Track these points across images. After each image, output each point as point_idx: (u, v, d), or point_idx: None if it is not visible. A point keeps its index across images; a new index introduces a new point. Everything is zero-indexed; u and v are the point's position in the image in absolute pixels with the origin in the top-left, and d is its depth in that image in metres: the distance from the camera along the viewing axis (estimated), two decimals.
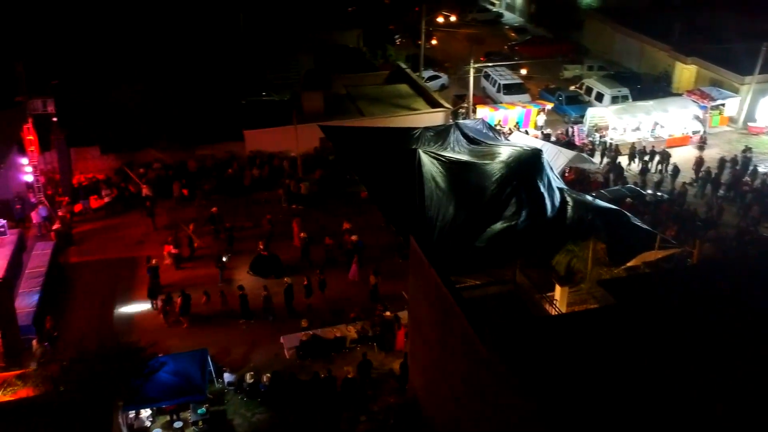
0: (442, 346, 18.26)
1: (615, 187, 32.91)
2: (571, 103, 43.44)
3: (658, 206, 31.20)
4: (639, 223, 25.49)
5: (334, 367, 22.70)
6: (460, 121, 31.24)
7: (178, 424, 20.49)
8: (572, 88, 46.25)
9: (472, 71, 38.65)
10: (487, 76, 47.16)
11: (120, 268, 29.06)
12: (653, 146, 37.01)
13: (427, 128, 28.89)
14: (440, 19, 61.51)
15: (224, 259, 28.01)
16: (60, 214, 31.03)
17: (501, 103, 43.53)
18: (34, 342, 22.75)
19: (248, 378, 21.77)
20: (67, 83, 34.71)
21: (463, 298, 16.53)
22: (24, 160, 30.38)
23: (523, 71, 47.71)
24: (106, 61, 38.05)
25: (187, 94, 38.13)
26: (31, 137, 29.84)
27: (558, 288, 21.56)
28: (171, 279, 27.84)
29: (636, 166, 36.34)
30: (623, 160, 36.64)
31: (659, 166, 36.04)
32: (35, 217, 30.53)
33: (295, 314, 25.55)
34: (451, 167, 26.12)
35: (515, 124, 40.50)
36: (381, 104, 39.73)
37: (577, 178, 33.67)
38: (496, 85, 45.52)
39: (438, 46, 57.98)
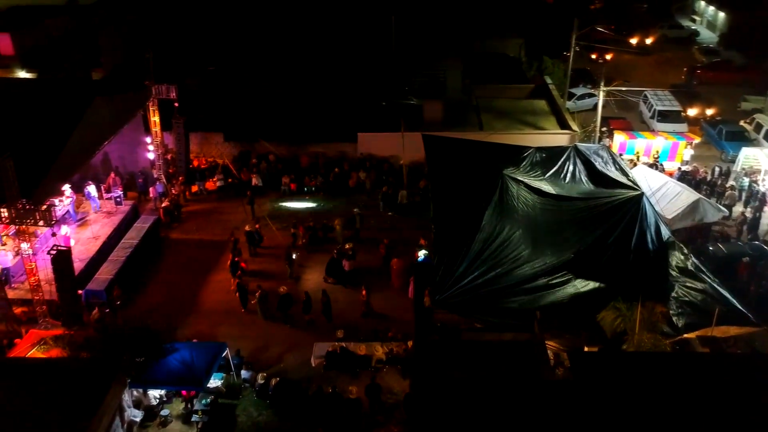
0: None
1: (736, 242, 28.64)
2: (732, 140, 38.35)
3: None
4: (727, 295, 21.93)
5: (358, 383, 22.35)
6: (580, 145, 28.93)
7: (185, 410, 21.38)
8: (741, 122, 40.84)
9: (601, 94, 35.56)
10: (645, 100, 43.25)
11: (210, 250, 30.80)
12: None
13: (540, 149, 27.32)
14: (634, 40, 57.37)
15: (293, 256, 28.60)
16: (174, 192, 33.67)
17: (654, 130, 39.76)
18: (97, 308, 24.91)
19: (260, 379, 22.08)
20: (204, 72, 37.42)
21: (425, 336, 15.44)
22: (148, 139, 33.33)
23: (709, 111, 42.75)
24: (247, 53, 40.36)
25: (319, 91, 39.40)
26: (155, 119, 32.58)
27: (585, 349, 19.44)
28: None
29: None
30: None
31: None
32: (152, 192, 33.35)
33: (297, 324, 25.75)
34: (536, 200, 24.48)
35: (655, 156, 36.65)
36: (506, 119, 38.10)
37: (698, 227, 29.74)
38: (652, 111, 41.59)
39: (610, 63, 54.37)
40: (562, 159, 26.54)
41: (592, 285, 21.20)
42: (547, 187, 25.15)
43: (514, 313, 20.07)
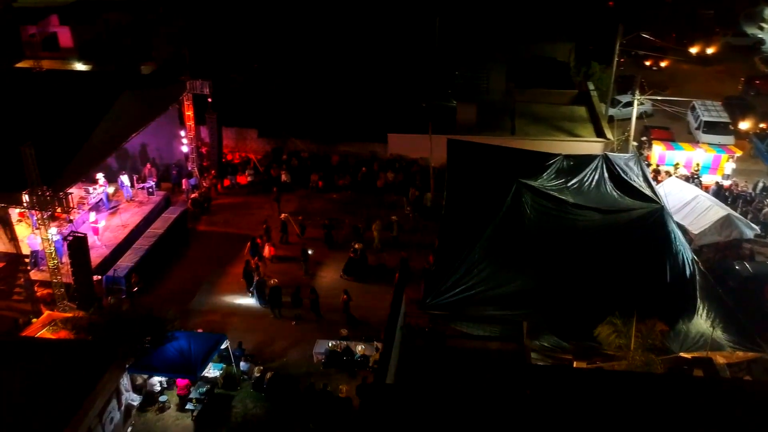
0: None
1: (764, 262, 27.41)
2: None
3: None
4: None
5: (355, 382, 22.50)
6: (610, 154, 28.36)
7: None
8: None
9: (636, 102, 34.54)
10: (693, 109, 41.78)
11: (235, 242, 31.42)
12: None
13: (568, 156, 26.90)
14: (694, 49, 55.70)
15: (309, 252, 28.98)
16: (204, 185, 34.57)
17: (699, 141, 38.41)
18: (110, 294, 25.85)
19: (256, 372, 22.51)
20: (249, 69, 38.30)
21: (391, 339, 15.47)
22: (182, 133, 34.31)
23: (763, 124, 40.99)
24: (290, 52, 41.05)
25: (354, 91, 39.70)
26: (189, 113, 33.50)
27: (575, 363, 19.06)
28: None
29: None
30: None
31: None
32: (185, 183, 34.34)
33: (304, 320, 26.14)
34: (550, 209, 24.10)
35: (696, 169, 35.34)
36: (541, 125, 37.45)
37: (727, 243, 28.59)
38: (698, 121, 40.15)
39: (667, 71, 52.84)
40: (589, 168, 26.04)
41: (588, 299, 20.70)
42: (565, 195, 24.75)
43: (501, 323, 19.84)
